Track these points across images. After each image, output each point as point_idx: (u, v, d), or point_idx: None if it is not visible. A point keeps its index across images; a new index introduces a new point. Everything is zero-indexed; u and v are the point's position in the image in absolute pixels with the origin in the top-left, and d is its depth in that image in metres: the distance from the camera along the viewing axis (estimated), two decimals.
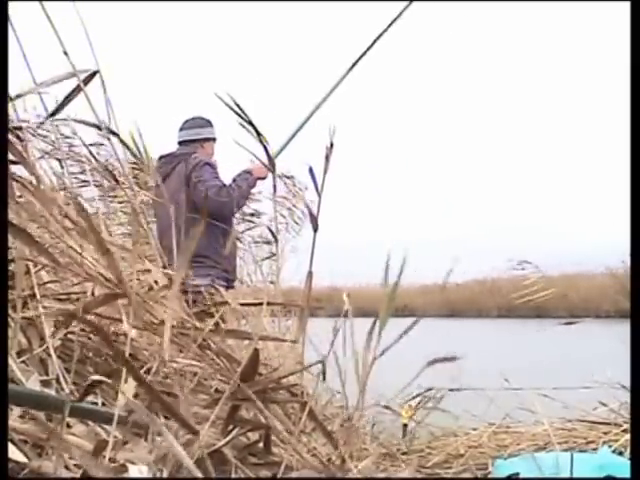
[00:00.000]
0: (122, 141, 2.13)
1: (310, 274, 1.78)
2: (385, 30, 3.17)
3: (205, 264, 3.43)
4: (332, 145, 1.84)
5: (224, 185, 3.59)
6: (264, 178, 3.75)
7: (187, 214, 3.24)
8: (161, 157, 3.76)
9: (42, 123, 1.76)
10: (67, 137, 3.87)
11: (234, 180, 3.65)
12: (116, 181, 2.16)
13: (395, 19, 3.14)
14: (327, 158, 1.84)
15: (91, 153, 3.16)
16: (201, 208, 3.35)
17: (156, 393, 0.99)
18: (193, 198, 3.47)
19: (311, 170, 1.87)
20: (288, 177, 6.63)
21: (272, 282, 6.00)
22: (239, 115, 2.16)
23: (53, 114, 1.75)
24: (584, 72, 31.49)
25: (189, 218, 2.86)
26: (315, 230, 1.89)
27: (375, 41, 3.16)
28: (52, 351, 1.09)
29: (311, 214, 1.87)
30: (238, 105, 2.14)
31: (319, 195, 1.86)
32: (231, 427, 1.10)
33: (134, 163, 2.78)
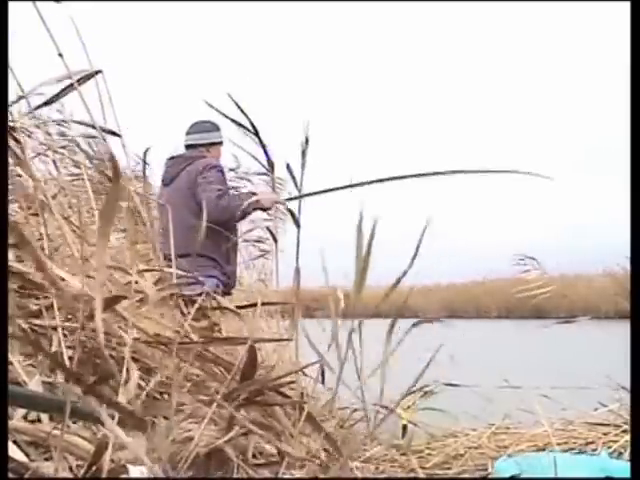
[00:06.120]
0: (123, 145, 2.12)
1: (297, 270, 1.77)
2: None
3: (210, 266, 3.42)
4: (307, 140, 1.83)
5: (227, 190, 3.57)
6: (266, 209, 3.59)
7: (193, 215, 3.25)
8: (171, 157, 3.76)
9: (31, 111, 1.73)
10: (62, 136, 3.85)
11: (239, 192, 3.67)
12: (109, 179, 2.14)
13: None
14: (303, 153, 1.83)
15: (86, 154, 3.13)
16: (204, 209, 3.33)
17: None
18: (198, 199, 3.45)
19: (288, 166, 1.87)
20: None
21: (261, 280, 6.03)
22: (237, 121, 2.14)
23: (42, 106, 1.73)
24: (585, 67, 31.47)
25: (193, 220, 2.85)
26: (298, 227, 1.88)
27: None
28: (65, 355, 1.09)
29: (290, 212, 1.87)
30: (240, 107, 2.11)
31: (299, 191, 1.85)
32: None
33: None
